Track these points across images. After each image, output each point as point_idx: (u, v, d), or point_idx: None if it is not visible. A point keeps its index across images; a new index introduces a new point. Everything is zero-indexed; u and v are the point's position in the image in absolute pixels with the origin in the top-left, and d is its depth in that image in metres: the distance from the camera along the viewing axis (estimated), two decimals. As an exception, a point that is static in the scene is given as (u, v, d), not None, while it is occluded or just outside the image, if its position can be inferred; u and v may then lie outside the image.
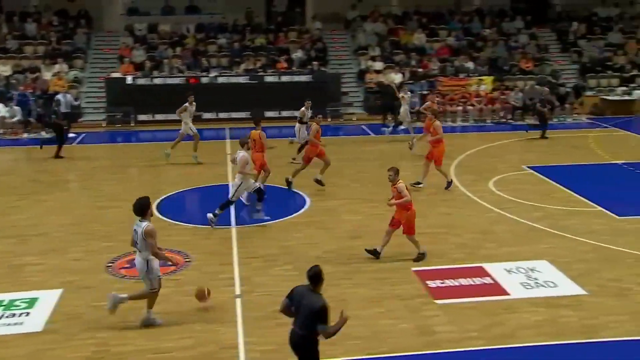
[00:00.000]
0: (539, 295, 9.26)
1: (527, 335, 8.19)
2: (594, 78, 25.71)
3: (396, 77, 24.12)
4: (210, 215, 12.04)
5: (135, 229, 8.15)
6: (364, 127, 22.24)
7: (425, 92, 23.81)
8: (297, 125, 17.76)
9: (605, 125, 21.56)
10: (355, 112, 23.83)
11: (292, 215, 12.83)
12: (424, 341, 8.10)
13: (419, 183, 14.41)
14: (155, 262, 8.24)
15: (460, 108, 23.06)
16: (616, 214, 12.75)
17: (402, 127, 19.78)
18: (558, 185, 14.86)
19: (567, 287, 9.52)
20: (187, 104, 17.18)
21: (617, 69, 26.00)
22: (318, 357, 6.37)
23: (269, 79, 23.48)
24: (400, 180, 10.36)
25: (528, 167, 16.52)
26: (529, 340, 8.07)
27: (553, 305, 8.97)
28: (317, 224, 12.24)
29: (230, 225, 12.29)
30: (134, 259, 8.63)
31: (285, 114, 23.33)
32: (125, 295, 8.45)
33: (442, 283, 9.69)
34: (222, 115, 22.94)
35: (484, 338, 8.14)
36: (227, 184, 15.07)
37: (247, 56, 24.80)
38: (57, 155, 17.84)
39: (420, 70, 24.73)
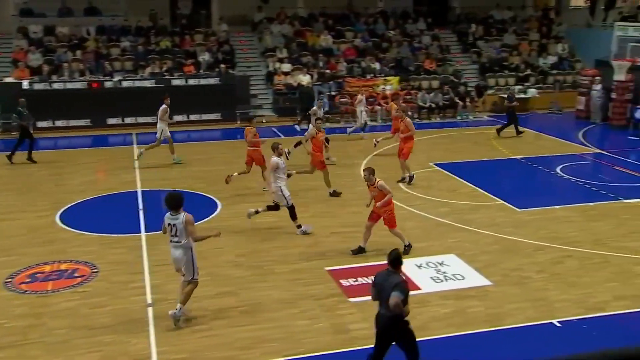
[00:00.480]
0: (448, 288, 9.61)
1: (437, 327, 8.48)
2: (492, 77, 27.00)
3: (304, 79, 24.31)
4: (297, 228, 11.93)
5: (171, 223, 8.32)
6: (274, 129, 22.24)
7: (334, 93, 24.13)
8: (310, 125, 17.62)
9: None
10: (265, 115, 23.78)
11: (203, 220, 12.63)
12: (340, 339, 8.20)
13: (411, 178, 15.14)
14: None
15: (368, 108, 23.49)
16: (516, 207, 13.43)
17: (359, 126, 20.46)
18: (463, 181, 15.47)
19: (474, 279, 9.93)
20: (165, 106, 16.88)
21: (513, 68, 27.42)
22: (412, 333, 6.79)
23: (175, 82, 23.02)
24: (378, 179, 10.55)
25: (435, 164, 17.09)
26: (440, 332, 8.36)
27: (461, 297, 9.33)
28: (229, 227, 12.12)
29: (139, 232, 11.94)
30: (34, 273, 8.21)
31: (193, 117, 22.99)
32: (178, 308, 8.41)
33: (355, 281, 9.85)
34: (128, 120, 22.29)
35: (397, 332, 8.33)
36: (136, 191, 14.64)
37: (152, 59, 24.20)
38: (30, 158, 17.47)
39: (328, 71, 25.04)
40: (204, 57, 24.75)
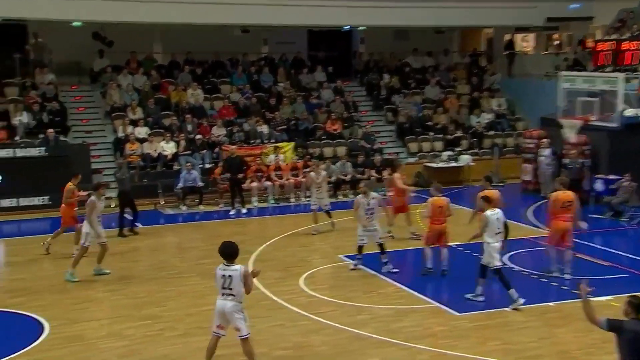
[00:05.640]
0: None
1: None
2: (414, 141, 27.90)
3: (168, 147, 24.09)
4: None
5: (226, 274, 10.15)
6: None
7: (208, 166, 23.95)
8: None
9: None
10: (112, 197, 23.14)
11: (18, 353, 11.80)
12: None
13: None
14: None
15: (255, 184, 23.49)
16: (455, 310, 13.58)
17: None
18: (384, 277, 15.56)
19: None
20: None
21: (439, 129, 28.50)
22: None
23: (-24, 154, 22.07)
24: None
25: (345, 256, 17.13)
26: None
27: None
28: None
29: None
30: None
31: (5, 203, 21.85)
32: None
33: None
34: None
35: None
36: None
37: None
38: None
39: (199, 137, 24.97)
40: (21, 118, 24.03)
